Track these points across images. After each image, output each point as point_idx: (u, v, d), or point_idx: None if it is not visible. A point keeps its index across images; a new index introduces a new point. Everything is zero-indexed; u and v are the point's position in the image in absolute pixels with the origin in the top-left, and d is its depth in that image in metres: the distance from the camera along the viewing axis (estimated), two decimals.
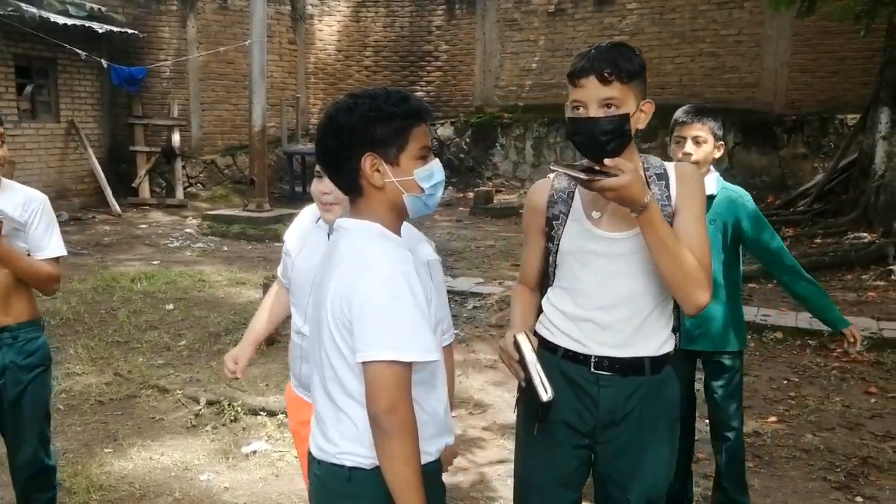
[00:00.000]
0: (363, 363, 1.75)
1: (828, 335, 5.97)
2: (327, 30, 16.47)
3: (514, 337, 2.09)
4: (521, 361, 2.07)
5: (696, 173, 2.20)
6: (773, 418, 4.64)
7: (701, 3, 13.76)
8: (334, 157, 1.87)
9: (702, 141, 3.16)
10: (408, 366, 1.75)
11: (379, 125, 1.81)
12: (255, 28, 11.89)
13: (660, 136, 13.79)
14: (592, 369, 2.16)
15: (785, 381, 5.26)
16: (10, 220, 2.77)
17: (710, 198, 3.14)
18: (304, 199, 14.41)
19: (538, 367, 2.05)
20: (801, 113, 12.84)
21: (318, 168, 2.28)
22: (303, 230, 2.54)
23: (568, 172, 1.97)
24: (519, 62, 15.53)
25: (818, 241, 9.71)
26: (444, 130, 15.99)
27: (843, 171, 10.87)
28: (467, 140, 15.78)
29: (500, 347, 2.16)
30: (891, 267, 8.13)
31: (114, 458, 4.18)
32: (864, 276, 8.01)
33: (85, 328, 6.40)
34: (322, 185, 2.34)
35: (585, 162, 2.05)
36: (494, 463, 4.11)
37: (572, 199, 2.21)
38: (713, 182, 3.21)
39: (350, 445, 1.84)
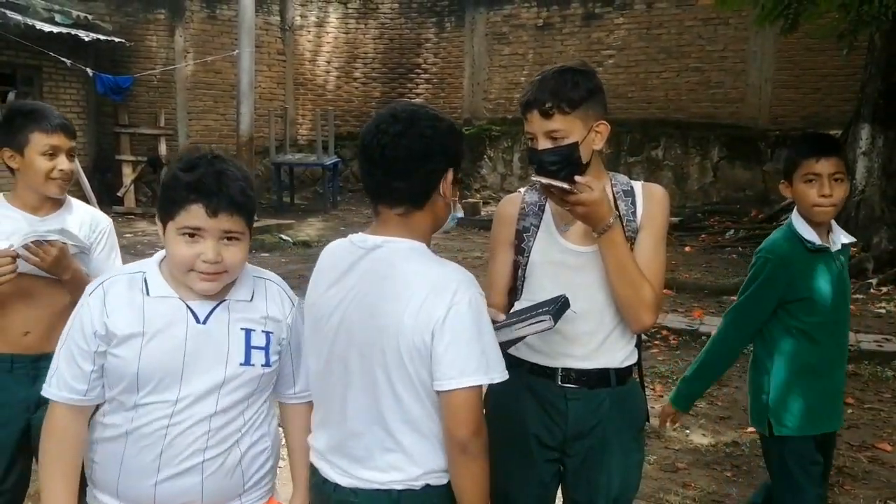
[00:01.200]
0: (447, 390, 1.73)
1: None
2: (316, 41, 16.52)
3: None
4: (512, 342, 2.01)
5: (664, 194, 2.21)
6: (752, 429, 4.66)
7: (687, 18, 13.91)
8: (415, 161, 1.80)
9: (840, 178, 2.58)
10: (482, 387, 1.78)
11: (459, 144, 1.89)
12: (244, 38, 11.93)
13: (646, 149, 13.92)
14: (559, 382, 2.18)
15: None
16: (75, 239, 2.47)
17: (849, 247, 2.76)
18: (291, 209, 14.43)
19: (516, 330, 1.97)
20: (785, 128, 12.99)
21: (195, 226, 1.76)
22: (127, 307, 1.81)
23: (551, 182, 1.99)
24: (507, 75, 15.62)
25: None
26: None
27: None
28: None
29: None
30: (870, 280, 8.22)
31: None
32: None
33: None
34: (208, 249, 1.77)
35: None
36: None
37: (543, 211, 2.23)
38: (840, 229, 2.71)
39: (399, 474, 1.81)
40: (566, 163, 2.05)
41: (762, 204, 12.54)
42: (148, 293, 1.82)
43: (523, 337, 1.97)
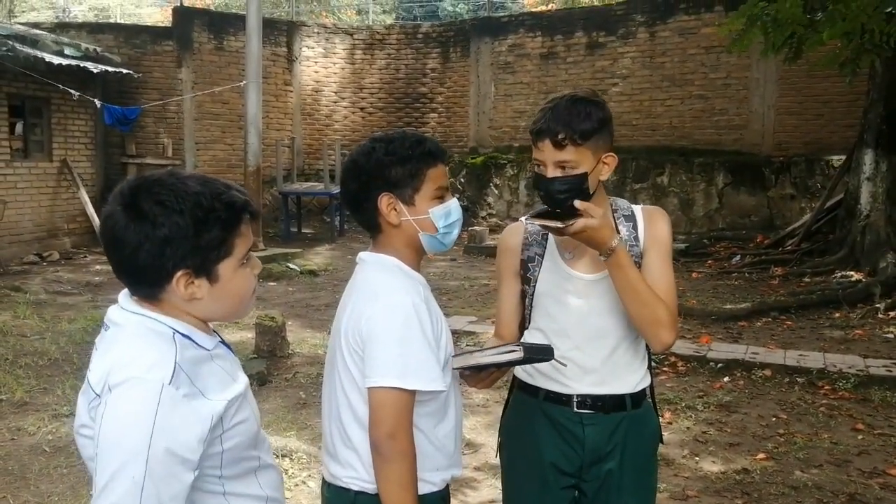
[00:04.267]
0: (369, 388, 1.82)
1: (816, 372, 6.01)
2: (323, 71, 16.67)
3: (454, 368, 2.04)
4: (480, 369, 2.01)
5: (665, 216, 2.23)
6: (762, 455, 4.65)
7: (690, 47, 14.01)
8: (355, 196, 1.96)
9: None
10: (411, 394, 1.81)
11: (395, 167, 1.90)
12: (251, 69, 12.04)
13: (651, 176, 13.97)
14: (575, 409, 2.18)
15: (774, 419, 5.27)
16: None
17: None
18: (298, 238, 14.49)
19: (486, 356, 1.98)
20: (789, 154, 13.04)
21: (250, 247, 1.59)
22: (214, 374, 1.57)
23: (544, 223, 2.01)
24: (512, 104, 15.72)
25: (806, 279, 9.79)
26: None
27: (830, 211, 11.00)
28: (462, 180, 15.92)
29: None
30: (877, 305, 8.20)
31: None
32: (851, 315, 8.07)
33: (74, 369, 6.36)
34: (256, 259, 1.64)
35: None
36: (486, 503, 4.10)
37: (546, 240, 2.24)
38: None
39: (355, 471, 1.90)
40: (575, 192, 2.07)
41: (768, 229, 12.54)
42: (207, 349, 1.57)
43: (491, 365, 1.98)
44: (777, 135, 13.38)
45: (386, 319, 1.82)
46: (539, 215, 2.04)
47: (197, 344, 1.53)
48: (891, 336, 7.33)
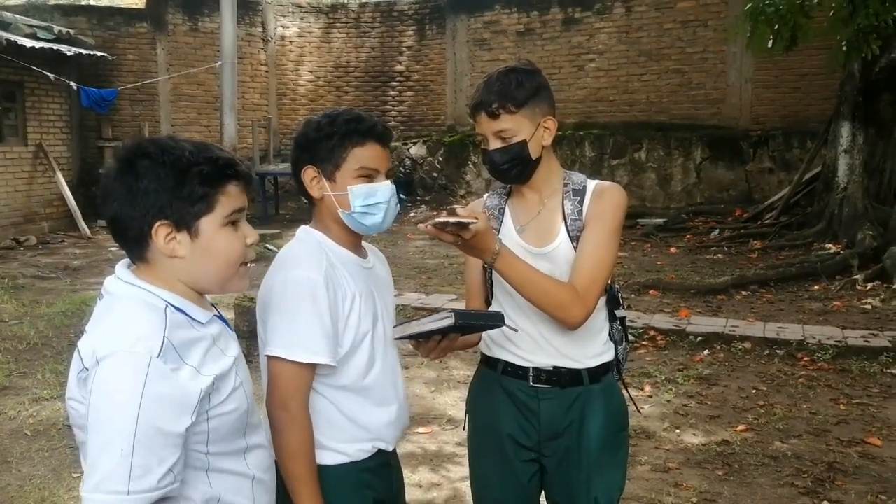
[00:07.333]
0: (266, 357, 1.87)
1: (795, 344, 6.08)
2: (298, 51, 16.52)
3: (396, 339, 2.05)
4: (419, 335, 1.99)
5: (616, 191, 2.20)
6: (742, 427, 4.70)
7: (666, 21, 14.00)
8: (292, 169, 2.03)
9: None
10: (303, 366, 1.84)
11: (321, 142, 1.94)
12: (226, 50, 11.94)
13: (628, 151, 13.98)
14: (531, 383, 2.19)
15: (753, 391, 5.33)
16: None
17: None
18: (277, 219, 14.40)
19: (423, 324, 1.95)
20: (766, 128, 13.09)
21: (239, 207, 1.61)
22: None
23: (448, 220, 1.93)
24: None
25: (785, 252, 9.88)
26: (417, 150, 16.07)
27: (808, 184, 11.09)
28: (440, 159, 15.87)
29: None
30: (855, 277, 8.28)
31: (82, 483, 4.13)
32: (830, 287, 8.15)
33: (53, 353, 6.33)
34: (250, 229, 1.64)
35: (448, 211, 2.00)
36: (468, 479, 4.11)
37: (503, 214, 2.26)
38: None
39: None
40: (517, 161, 2.11)
41: (746, 203, 12.62)
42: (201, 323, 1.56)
43: (430, 332, 1.94)
44: (755, 108, 13.42)
45: (281, 291, 1.86)
46: (436, 225, 1.95)
47: (189, 317, 1.53)
48: (868, 307, 7.41)
